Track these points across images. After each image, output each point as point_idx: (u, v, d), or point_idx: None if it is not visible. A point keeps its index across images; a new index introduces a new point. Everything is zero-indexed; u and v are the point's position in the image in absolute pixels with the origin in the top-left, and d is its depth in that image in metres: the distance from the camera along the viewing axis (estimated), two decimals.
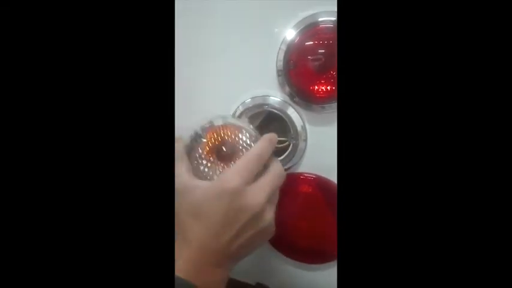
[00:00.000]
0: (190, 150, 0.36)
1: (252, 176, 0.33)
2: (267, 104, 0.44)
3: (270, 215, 0.34)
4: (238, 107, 0.45)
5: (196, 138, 0.36)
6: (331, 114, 0.42)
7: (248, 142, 0.36)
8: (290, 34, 0.40)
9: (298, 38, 0.39)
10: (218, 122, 0.36)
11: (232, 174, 0.32)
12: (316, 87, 0.40)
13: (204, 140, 0.36)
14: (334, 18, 0.38)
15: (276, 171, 0.35)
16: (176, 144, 0.36)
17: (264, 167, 0.35)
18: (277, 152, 0.46)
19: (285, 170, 0.46)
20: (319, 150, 0.44)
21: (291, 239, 0.48)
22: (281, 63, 0.41)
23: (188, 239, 0.32)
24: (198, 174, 0.35)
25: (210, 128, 0.36)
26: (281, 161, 0.46)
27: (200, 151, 0.36)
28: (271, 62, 0.41)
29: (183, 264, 0.31)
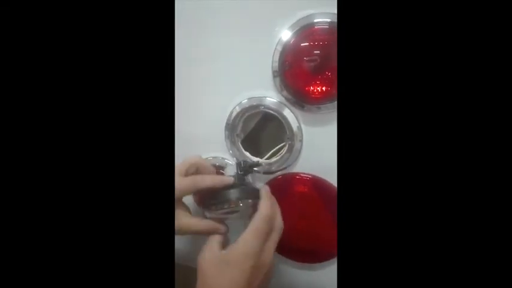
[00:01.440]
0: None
1: (266, 236, 0.37)
2: (263, 105, 0.44)
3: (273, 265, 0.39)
4: (234, 107, 0.46)
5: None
6: (326, 114, 0.42)
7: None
8: (286, 35, 0.40)
9: (293, 39, 0.39)
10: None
11: (251, 239, 0.36)
12: (311, 87, 0.41)
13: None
14: (329, 19, 0.38)
15: (280, 226, 0.39)
16: (215, 224, 0.40)
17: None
18: (273, 153, 0.47)
19: (281, 170, 0.47)
20: (315, 150, 0.45)
21: (288, 239, 0.48)
22: (277, 64, 0.41)
23: None
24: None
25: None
26: (277, 161, 0.46)
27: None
28: (267, 63, 0.42)
29: None
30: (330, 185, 0.45)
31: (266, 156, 0.47)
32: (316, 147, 0.45)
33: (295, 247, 0.49)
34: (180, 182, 0.39)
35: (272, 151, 0.46)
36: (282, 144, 0.46)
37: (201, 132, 0.49)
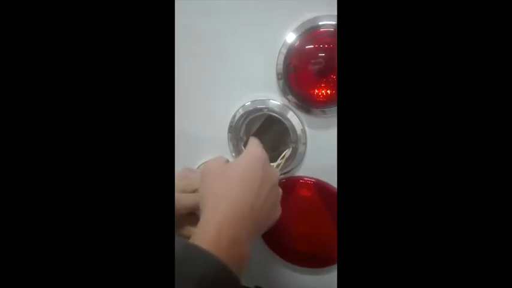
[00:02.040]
0: None
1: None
2: (267, 108, 0.44)
3: (280, 191, 0.39)
4: (238, 109, 0.45)
5: None
6: (331, 118, 0.42)
7: None
8: (290, 38, 0.40)
9: (298, 42, 0.39)
10: None
11: (255, 147, 0.39)
12: (316, 91, 0.40)
13: None
14: (334, 22, 0.38)
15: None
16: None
17: None
18: (277, 156, 0.46)
19: (285, 173, 0.46)
20: (319, 154, 0.44)
21: (290, 242, 0.48)
22: (281, 66, 0.41)
23: (220, 207, 0.33)
24: None
25: None
26: (281, 165, 0.46)
27: None
28: (271, 65, 0.41)
29: (212, 234, 0.31)
30: (333, 190, 0.45)
31: (276, 163, 0.46)
32: (320, 151, 0.44)
33: (297, 251, 0.48)
34: (186, 198, 0.40)
35: (280, 157, 0.46)
36: (287, 150, 0.45)
37: (204, 134, 0.49)
